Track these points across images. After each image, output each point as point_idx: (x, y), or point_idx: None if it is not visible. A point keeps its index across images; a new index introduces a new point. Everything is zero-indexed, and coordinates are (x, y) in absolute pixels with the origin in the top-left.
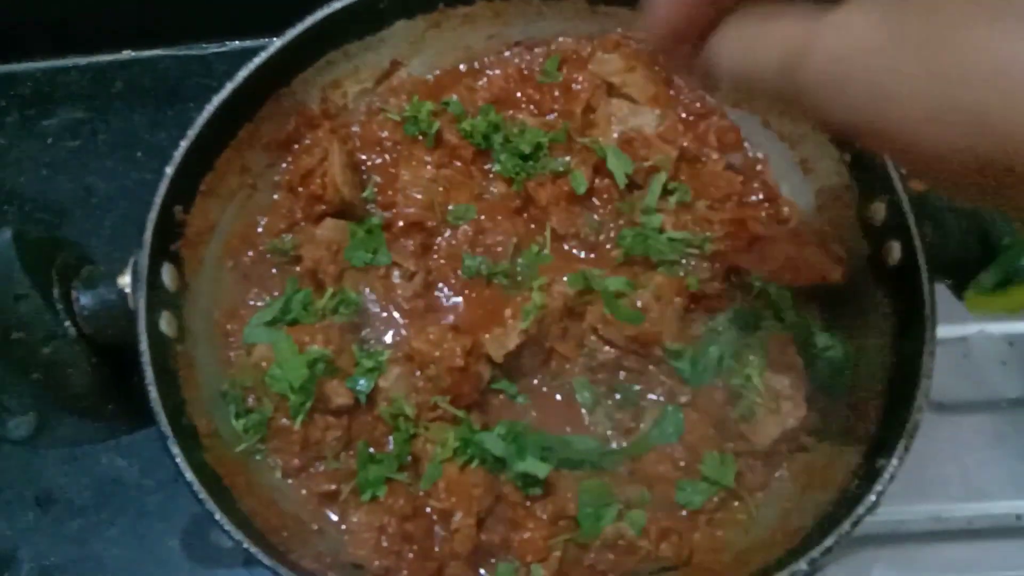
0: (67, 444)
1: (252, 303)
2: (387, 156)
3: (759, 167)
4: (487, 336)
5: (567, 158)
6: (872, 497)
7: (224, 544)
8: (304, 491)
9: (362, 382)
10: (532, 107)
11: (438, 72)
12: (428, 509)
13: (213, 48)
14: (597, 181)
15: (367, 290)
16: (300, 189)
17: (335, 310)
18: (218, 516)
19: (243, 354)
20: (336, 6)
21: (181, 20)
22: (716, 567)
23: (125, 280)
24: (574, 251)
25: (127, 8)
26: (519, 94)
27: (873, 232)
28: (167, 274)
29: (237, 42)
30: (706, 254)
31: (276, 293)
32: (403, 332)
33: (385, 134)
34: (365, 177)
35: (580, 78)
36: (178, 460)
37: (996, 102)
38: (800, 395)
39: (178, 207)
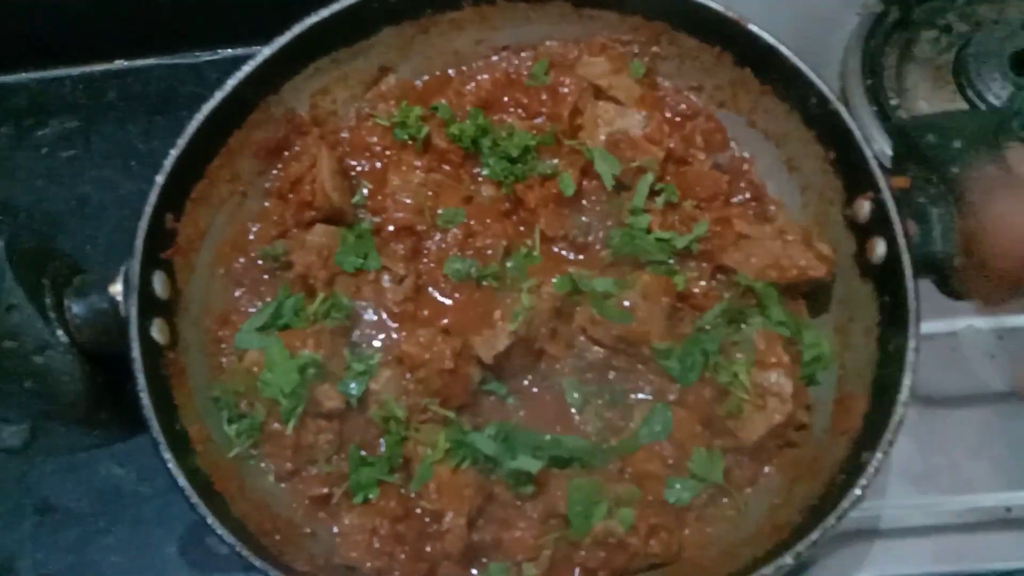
0: (61, 452)
1: (243, 309)
2: (377, 161)
3: (745, 166)
4: (477, 338)
5: (555, 160)
6: (857, 491)
7: (221, 550)
8: (297, 495)
9: (353, 386)
10: (520, 110)
11: (426, 77)
12: (419, 510)
13: (205, 56)
14: (585, 183)
15: (358, 294)
16: (290, 196)
17: (326, 315)
18: (211, 521)
19: (235, 360)
20: (324, 13)
21: (173, 29)
22: (705, 562)
23: (117, 288)
24: (563, 252)
25: (119, 18)
26: (507, 98)
27: (858, 229)
28: (158, 282)
29: (229, 50)
30: (693, 253)
31: (267, 299)
32: (393, 335)
33: (374, 139)
34: (355, 182)
35: (567, 81)
36: (170, 466)
37: None
38: (787, 391)
39: (169, 215)
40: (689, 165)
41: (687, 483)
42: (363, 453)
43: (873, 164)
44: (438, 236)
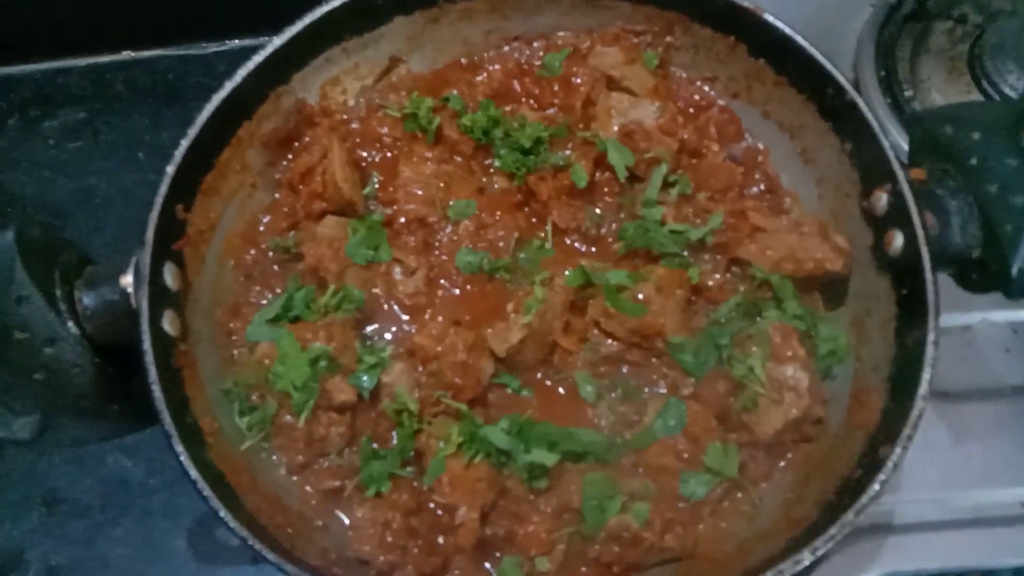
0: (71, 444)
1: (254, 301)
2: (387, 153)
3: (760, 158)
4: (489, 331)
5: (567, 152)
6: (876, 486)
7: (230, 542)
8: (308, 488)
9: (365, 378)
10: (532, 101)
11: (438, 68)
12: (432, 504)
13: (213, 47)
14: (598, 174)
15: (369, 287)
16: (300, 187)
17: (337, 307)
18: (223, 513)
19: (246, 352)
20: (336, 2)
21: (181, 20)
22: (720, 558)
23: (127, 280)
24: (575, 245)
25: (127, 9)
26: (519, 88)
27: (875, 222)
28: (169, 273)
29: (237, 41)
30: (707, 245)
31: (278, 291)
32: (405, 328)
33: (385, 131)
34: (366, 174)
35: (580, 72)
36: (182, 459)
37: None
38: (803, 385)
39: (179, 206)
40: (703, 156)
41: (702, 478)
42: (375, 446)
43: (891, 156)
44: (449, 228)
